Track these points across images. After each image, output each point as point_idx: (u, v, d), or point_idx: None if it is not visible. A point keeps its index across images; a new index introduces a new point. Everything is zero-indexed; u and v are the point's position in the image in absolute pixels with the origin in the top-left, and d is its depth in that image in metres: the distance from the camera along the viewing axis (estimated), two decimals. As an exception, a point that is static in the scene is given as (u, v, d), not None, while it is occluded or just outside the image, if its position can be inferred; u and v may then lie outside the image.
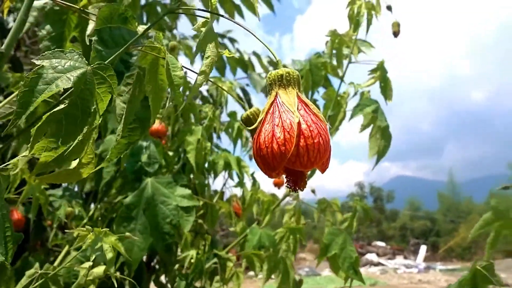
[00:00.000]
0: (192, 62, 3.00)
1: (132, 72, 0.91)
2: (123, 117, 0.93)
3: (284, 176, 0.70)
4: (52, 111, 0.68)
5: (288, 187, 0.68)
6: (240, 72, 3.47)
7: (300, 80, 0.70)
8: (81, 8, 1.18)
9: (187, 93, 2.47)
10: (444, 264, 24.77)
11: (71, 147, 0.70)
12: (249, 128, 0.73)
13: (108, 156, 0.98)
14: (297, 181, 0.67)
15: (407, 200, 40.71)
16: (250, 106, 3.22)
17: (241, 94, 3.36)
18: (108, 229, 1.16)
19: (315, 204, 1.98)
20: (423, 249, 26.86)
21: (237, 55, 3.39)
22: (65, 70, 0.68)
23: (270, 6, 3.36)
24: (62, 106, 0.68)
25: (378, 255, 25.77)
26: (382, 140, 1.68)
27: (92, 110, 0.71)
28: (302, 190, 0.69)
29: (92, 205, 2.23)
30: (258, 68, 3.54)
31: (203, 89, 3.15)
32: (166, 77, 0.84)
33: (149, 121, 1.00)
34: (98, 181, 2.01)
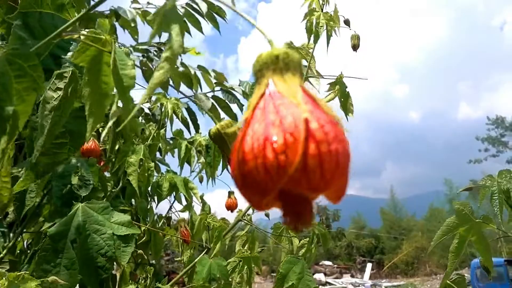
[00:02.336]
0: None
1: (64, 72, 0.69)
2: (47, 128, 0.70)
3: (279, 205, 0.45)
4: None
5: (286, 223, 0.45)
6: (183, 91, 3.25)
7: (302, 64, 0.51)
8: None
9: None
10: (389, 281, 25.48)
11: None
12: (227, 133, 0.54)
13: (21, 179, 0.73)
14: (299, 214, 0.44)
15: (352, 218, 41.80)
16: (196, 127, 3.03)
17: (185, 114, 3.15)
18: (25, 272, 0.93)
19: (269, 228, 1.82)
20: (369, 266, 27.50)
21: (181, 69, 3.19)
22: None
23: (216, 24, 3.22)
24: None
25: (325, 274, 26.03)
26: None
27: (9, 114, 0.49)
28: (307, 228, 0.45)
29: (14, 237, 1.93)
30: (204, 86, 3.35)
31: (145, 105, 2.93)
32: (112, 77, 0.62)
33: (83, 136, 0.78)
34: (19, 209, 1.72)
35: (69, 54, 0.76)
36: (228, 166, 0.71)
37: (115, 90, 0.68)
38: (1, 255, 1.67)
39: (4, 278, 1.02)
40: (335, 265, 30.16)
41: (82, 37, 0.67)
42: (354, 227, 39.91)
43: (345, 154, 0.41)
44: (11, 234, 1.93)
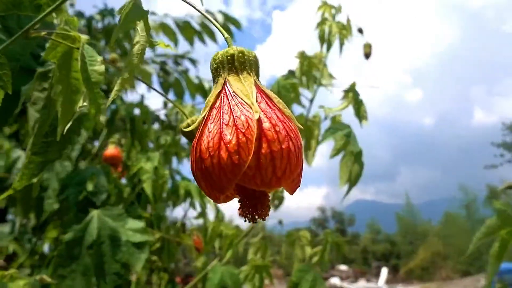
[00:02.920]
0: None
1: (47, 70, 0.70)
2: (36, 128, 0.72)
3: (237, 199, 0.49)
4: None
5: (243, 215, 0.48)
6: (198, 98, 3.32)
7: (259, 63, 0.51)
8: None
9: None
10: (405, 286, 25.13)
11: None
12: (186, 131, 0.54)
13: (16, 181, 0.74)
14: (255, 206, 0.47)
15: (367, 223, 41.37)
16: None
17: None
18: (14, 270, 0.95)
19: (283, 235, 1.83)
20: (384, 271, 27.17)
21: (196, 81, 3.25)
22: None
23: (230, 34, 3.27)
24: None
25: (341, 278, 25.82)
26: (355, 166, 1.55)
27: None
28: (263, 219, 0.49)
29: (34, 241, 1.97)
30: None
31: (161, 112, 2.99)
32: (81, 73, 0.62)
33: (74, 133, 0.79)
34: (38, 214, 1.77)
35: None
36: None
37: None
38: (21, 260, 1.71)
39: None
40: (351, 269, 29.87)
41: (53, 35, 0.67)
42: (369, 232, 39.51)
43: (297, 151, 0.44)
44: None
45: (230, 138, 0.42)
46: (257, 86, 0.48)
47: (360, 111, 1.79)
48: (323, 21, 1.74)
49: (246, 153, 0.41)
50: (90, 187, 1.70)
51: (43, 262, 1.88)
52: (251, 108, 0.44)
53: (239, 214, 0.48)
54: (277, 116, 0.45)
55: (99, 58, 0.62)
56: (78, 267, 1.43)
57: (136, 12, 0.56)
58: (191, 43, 2.86)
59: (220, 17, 2.59)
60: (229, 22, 2.60)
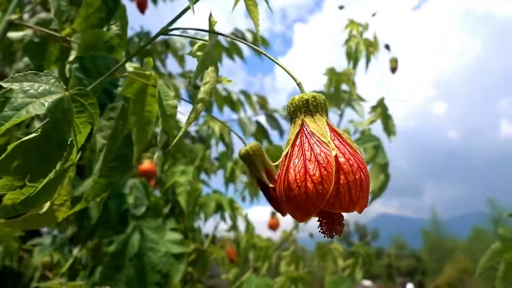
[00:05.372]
0: (190, 89, 2.91)
1: (116, 105, 0.81)
2: (103, 154, 0.82)
3: (317, 219, 0.59)
4: (20, 141, 0.56)
5: (322, 232, 0.57)
6: (227, 114, 3.38)
7: (327, 105, 0.61)
8: (65, 38, 1.10)
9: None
10: (432, 304, 24.45)
11: (43, 187, 0.58)
12: (274, 163, 0.63)
13: (83, 198, 0.85)
14: (333, 225, 0.56)
15: (392, 238, 40.47)
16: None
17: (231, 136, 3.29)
18: (82, 282, 1.03)
19: (313, 248, 1.86)
20: (409, 287, 26.55)
21: (224, 93, 3.34)
22: (39, 95, 0.58)
23: (258, 52, 3.37)
24: (33, 135, 0.57)
25: (365, 294, 25.33)
26: (381, 176, 1.60)
27: (68, 143, 0.59)
28: (340, 235, 0.58)
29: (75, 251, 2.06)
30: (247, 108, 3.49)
31: (192, 129, 3.08)
32: (156, 107, 0.74)
33: (131, 159, 0.89)
34: (81, 225, 1.86)
35: (119, 89, 0.88)
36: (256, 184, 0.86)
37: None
38: (63, 269, 1.80)
39: (64, 287, 1.12)
40: (375, 285, 29.29)
41: (130, 73, 0.80)
42: (394, 247, 38.63)
43: (366, 179, 0.54)
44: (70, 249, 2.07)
45: (314, 172, 0.52)
46: (329, 125, 0.58)
47: (388, 126, 1.83)
48: (350, 38, 1.80)
49: (328, 184, 0.51)
50: (130, 199, 1.78)
51: (81, 271, 1.97)
52: (328, 146, 0.53)
53: (320, 231, 0.57)
54: (349, 151, 0.54)
55: (172, 93, 0.72)
56: (122, 278, 1.50)
57: (209, 60, 0.68)
58: (220, 59, 2.96)
59: (249, 36, 2.67)
60: (258, 40, 2.71)
